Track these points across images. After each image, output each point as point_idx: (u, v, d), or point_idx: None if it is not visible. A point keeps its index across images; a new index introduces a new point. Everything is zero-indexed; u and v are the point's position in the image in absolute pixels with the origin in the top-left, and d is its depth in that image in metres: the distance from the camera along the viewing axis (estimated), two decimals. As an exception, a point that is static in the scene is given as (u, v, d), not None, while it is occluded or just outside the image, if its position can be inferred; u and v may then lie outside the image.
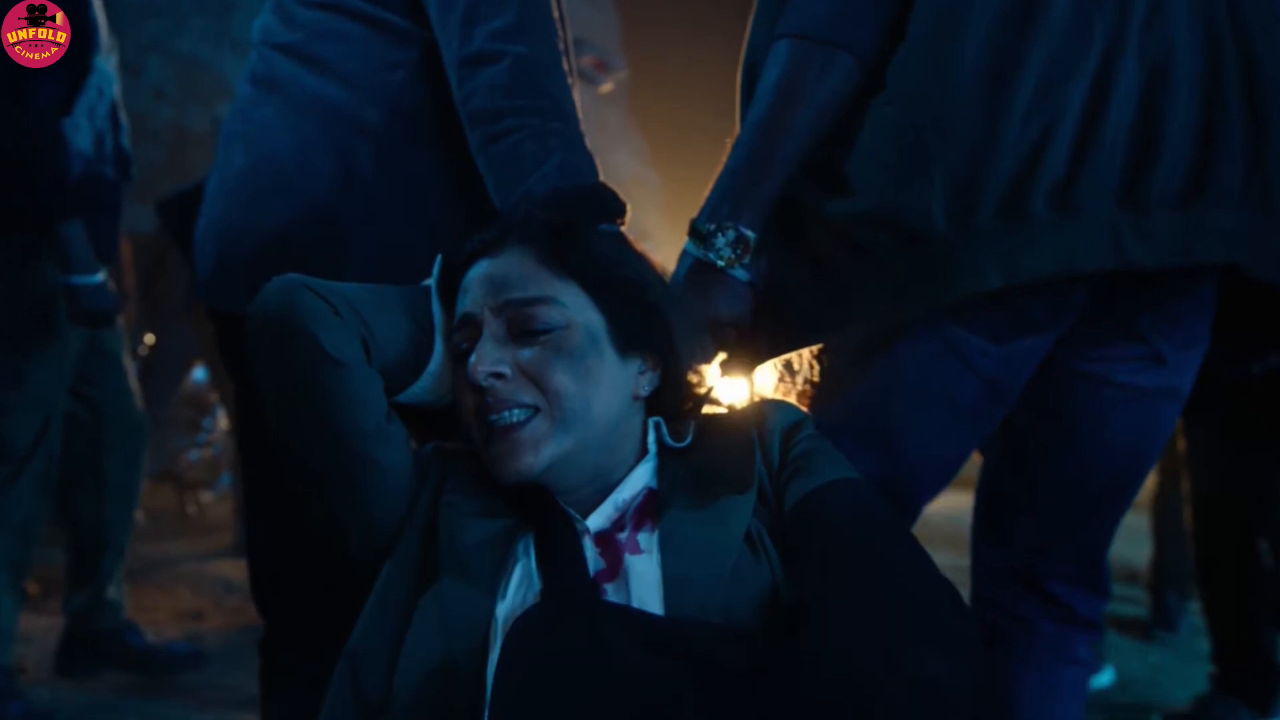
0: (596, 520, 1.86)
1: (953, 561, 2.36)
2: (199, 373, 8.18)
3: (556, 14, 2.35)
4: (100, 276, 3.95)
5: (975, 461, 2.49)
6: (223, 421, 8.41)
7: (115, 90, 4.28)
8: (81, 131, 4.05)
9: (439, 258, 2.02)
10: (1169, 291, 2.10)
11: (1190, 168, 1.96)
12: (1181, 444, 4.71)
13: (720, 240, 2.08)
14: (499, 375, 1.82)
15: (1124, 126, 1.94)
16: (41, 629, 4.93)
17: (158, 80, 9.41)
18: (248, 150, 2.49)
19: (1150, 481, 4.98)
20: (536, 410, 1.83)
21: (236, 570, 6.21)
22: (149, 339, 7.50)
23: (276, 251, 2.37)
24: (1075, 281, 2.02)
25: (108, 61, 4.20)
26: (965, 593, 1.98)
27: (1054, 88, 1.94)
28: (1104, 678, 4.94)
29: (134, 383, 4.68)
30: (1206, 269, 2.07)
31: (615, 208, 2.05)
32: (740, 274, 2.10)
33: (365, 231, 2.38)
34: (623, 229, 2.06)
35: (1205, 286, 2.15)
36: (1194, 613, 5.48)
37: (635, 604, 1.72)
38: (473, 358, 1.83)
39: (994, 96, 1.94)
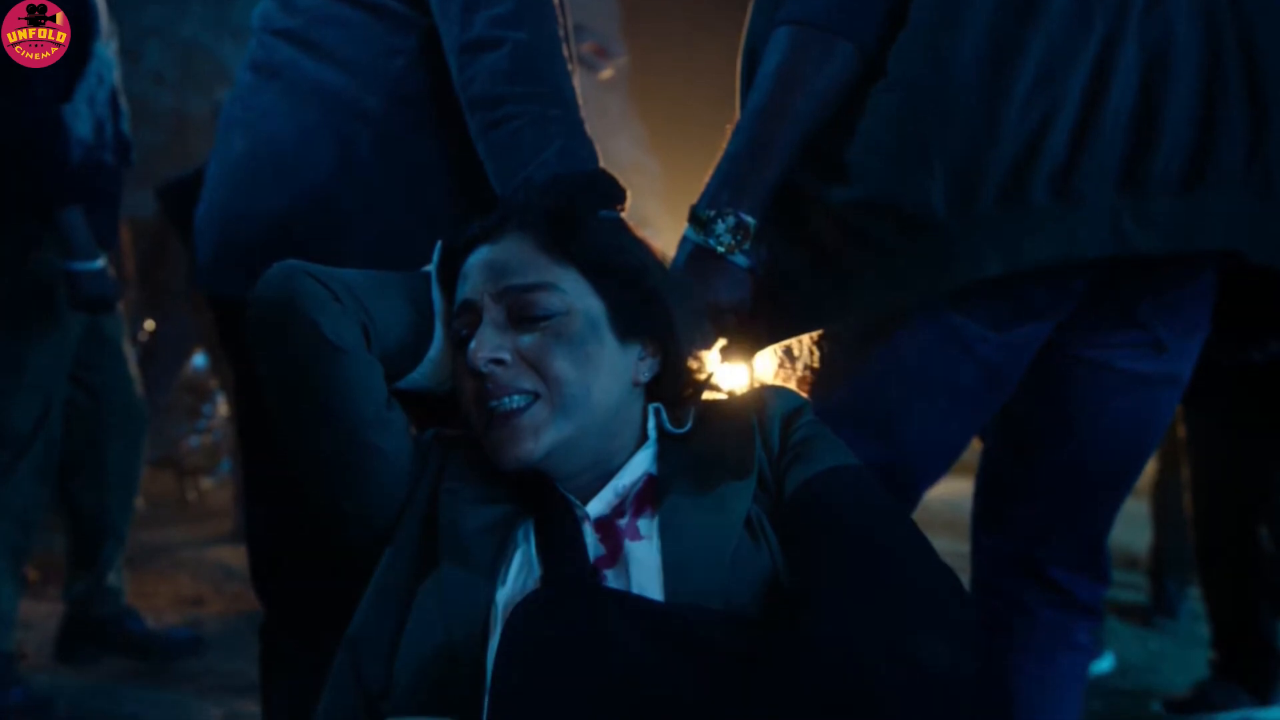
0: (596, 506, 1.86)
1: (953, 548, 2.36)
2: (199, 359, 8.19)
3: (557, 0, 2.35)
4: (100, 263, 3.95)
5: (975, 448, 2.49)
6: (222, 408, 8.42)
7: (115, 76, 4.28)
8: (81, 118, 4.05)
9: (439, 243, 2.02)
10: (1169, 278, 2.10)
11: (1190, 154, 1.96)
12: (1181, 431, 4.71)
13: (720, 226, 2.08)
14: (499, 361, 1.82)
15: (1124, 113, 1.95)
16: (41, 615, 4.93)
17: (158, 66, 9.42)
18: (248, 136, 2.49)
19: (1150, 468, 4.98)
20: (536, 396, 1.83)
21: (236, 556, 6.21)
22: (149, 325, 7.50)
23: (276, 237, 2.37)
24: (1076, 268, 2.02)
25: (108, 47, 4.20)
26: (965, 579, 1.98)
27: (1054, 74, 1.94)
28: (1104, 664, 4.95)
29: (134, 369, 4.68)
30: (1207, 255, 2.07)
31: (615, 194, 2.05)
32: (740, 260, 2.10)
33: (365, 218, 2.38)
34: (623, 215, 2.05)
35: (1205, 273, 2.15)
36: (1194, 599, 5.48)
37: (635, 590, 1.72)
38: (473, 344, 1.82)
39: (994, 83, 1.94)
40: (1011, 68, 1.93)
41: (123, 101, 4.31)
